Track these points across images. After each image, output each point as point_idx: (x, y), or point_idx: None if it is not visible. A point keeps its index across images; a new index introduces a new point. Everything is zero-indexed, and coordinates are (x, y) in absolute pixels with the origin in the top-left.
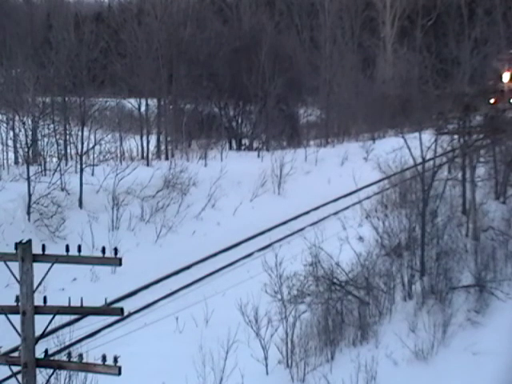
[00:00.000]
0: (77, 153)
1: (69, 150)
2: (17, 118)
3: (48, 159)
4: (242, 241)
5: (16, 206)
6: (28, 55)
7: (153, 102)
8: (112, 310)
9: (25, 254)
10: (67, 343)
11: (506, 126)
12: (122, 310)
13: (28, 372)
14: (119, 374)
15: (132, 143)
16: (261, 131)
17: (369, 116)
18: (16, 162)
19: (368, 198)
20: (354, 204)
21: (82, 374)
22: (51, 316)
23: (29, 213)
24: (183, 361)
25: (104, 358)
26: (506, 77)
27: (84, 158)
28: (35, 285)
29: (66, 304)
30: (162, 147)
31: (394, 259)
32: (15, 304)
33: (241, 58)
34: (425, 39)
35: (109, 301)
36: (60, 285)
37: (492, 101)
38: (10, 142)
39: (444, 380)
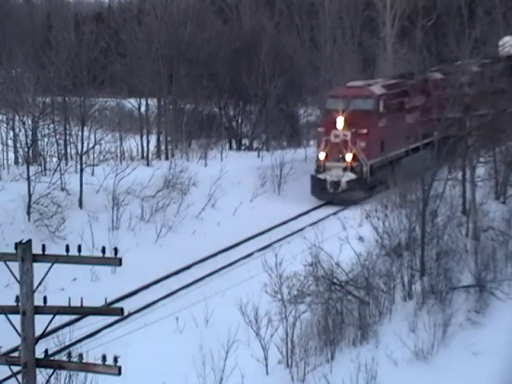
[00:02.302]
0: (77, 153)
1: (69, 150)
2: (17, 117)
3: (48, 159)
4: (242, 241)
5: (16, 206)
6: (28, 55)
7: (153, 102)
8: (112, 310)
9: (25, 254)
10: (67, 343)
11: (506, 126)
12: (122, 310)
13: (28, 372)
14: (119, 373)
15: (132, 143)
16: (261, 131)
17: None
18: (16, 162)
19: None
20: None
21: (82, 374)
22: (51, 316)
23: (29, 213)
24: (183, 361)
25: (104, 358)
26: (339, 122)
27: (84, 157)
28: (35, 285)
29: (66, 304)
30: (162, 147)
31: (394, 259)
32: (15, 304)
33: (241, 58)
34: (425, 39)
35: (109, 301)
36: (60, 285)
37: (321, 156)
38: (10, 142)
39: (444, 380)
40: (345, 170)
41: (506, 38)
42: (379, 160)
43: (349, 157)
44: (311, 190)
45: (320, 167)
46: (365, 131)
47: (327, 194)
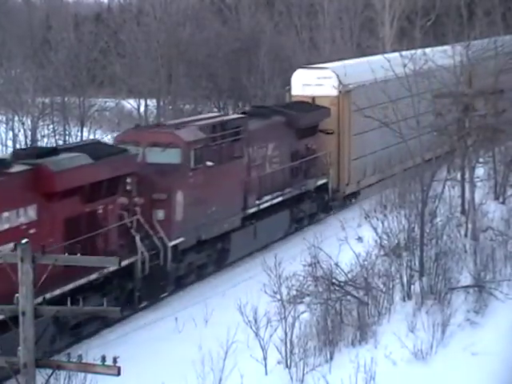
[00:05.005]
0: None
1: None
2: (16, 118)
3: None
4: None
5: None
6: (27, 56)
7: (152, 103)
8: (111, 311)
9: (24, 254)
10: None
11: (506, 126)
12: (121, 310)
13: (27, 372)
14: (118, 374)
15: None
16: None
17: None
18: None
19: (367, 197)
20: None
21: (81, 375)
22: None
23: None
24: (182, 361)
25: (103, 358)
26: None
27: None
28: None
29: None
30: None
31: (393, 259)
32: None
33: (240, 58)
34: (424, 40)
35: None
36: None
37: None
38: (10, 143)
39: (443, 380)
40: None
41: (300, 72)
42: None
43: None
44: None
45: None
46: None
47: None
